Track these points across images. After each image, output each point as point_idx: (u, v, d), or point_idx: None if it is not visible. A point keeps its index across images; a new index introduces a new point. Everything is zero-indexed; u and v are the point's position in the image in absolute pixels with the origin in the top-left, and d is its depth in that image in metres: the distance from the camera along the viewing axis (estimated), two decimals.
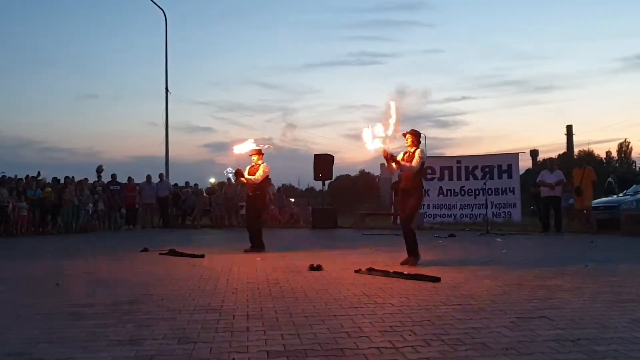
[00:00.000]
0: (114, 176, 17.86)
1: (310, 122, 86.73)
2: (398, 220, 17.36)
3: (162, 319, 3.86)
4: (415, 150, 7.02)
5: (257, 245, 8.93)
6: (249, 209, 9.55)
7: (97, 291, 5.18)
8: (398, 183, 17.48)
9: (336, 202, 26.75)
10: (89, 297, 4.81)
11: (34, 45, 67.64)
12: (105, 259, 8.17)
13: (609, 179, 18.73)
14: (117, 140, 75.25)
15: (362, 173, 51.36)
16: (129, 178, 18.20)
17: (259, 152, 9.17)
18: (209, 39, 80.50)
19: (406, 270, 6.09)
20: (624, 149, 50.60)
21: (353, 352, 2.97)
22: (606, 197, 15.79)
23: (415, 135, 7.15)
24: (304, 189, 39.56)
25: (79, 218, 15.87)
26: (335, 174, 27.41)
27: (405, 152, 7.15)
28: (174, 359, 2.91)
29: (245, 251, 8.76)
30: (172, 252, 8.44)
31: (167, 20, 23.10)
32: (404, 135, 7.16)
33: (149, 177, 18.36)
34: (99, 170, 17.86)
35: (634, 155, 49.06)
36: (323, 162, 17.47)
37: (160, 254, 8.46)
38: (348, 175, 50.13)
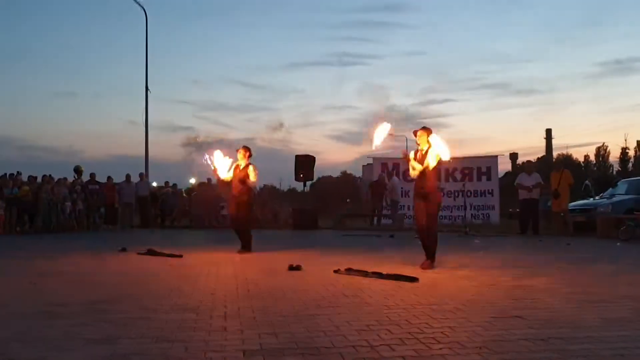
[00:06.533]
0: (92, 175, 17.68)
1: (293, 122, 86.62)
2: (375, 221, 17.55)
3: (139, 318, 3.84)
4: (429, 148, 6.73)
5: (249, 246, 8.80)
6: (242, 210, 8.99)
7: (74, 291, 5.14)
8: (376, 184, 17.61)
9: (317, 203, 26.78)
10: (65, 297, 4.77)
11: (11, 41, 66.56)
12: (83, 259, 8.09)
13: (586, 182, 18.99)
14: (96, 139, 74.19)
15: (344, 174, 51.48)
16: (109, 177, 18.02)
17: (248, 150, 8.99)
18: (190, 37, 79.85)
19: (384, 270, 6.12)
20: (602, 153, 51.30)
21: (329, 351, 2.99)
22: (583, 200, 16.03)
23: (428, 133, 6.81)
24: (285, 190, 39.52)
25: (57, 217, 15.68)
26: (317, 175, 27.46)
27: (417, 151, 6.89)
28: (149, 358, 2.90)
29: (239, 252, 8.61)
30: (151, 252, 8.38)
31: (148, 18, 22.94)
32: (415, 133, 6.89)
33: (128, 177, 18.22)
34: (78, 171, 17.62)
35: (611, 159, 49.74)
36: (304, 163, 17.49)
37: (138, 253, 8.40)
38: (330, 177, 50.20)
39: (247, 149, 9.02)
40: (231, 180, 9.11)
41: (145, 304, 4.37)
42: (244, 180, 8.83)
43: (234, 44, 79.03)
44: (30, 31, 67.46)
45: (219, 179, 9.20)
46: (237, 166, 8.96)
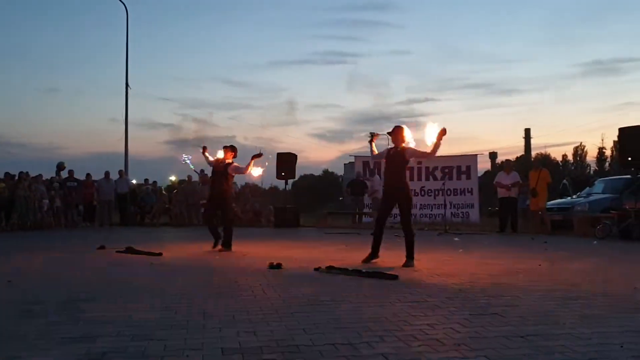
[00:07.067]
0: (71, 172, 17.44)
1: (275, 120, 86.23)
2: (357, 219, 17.60)
3: (117, 316, 3.80)
4: (403, 146, 6.96)
5: (229, 244, 8.80)
6: (224, 207, 9.11)
7: (50, 289, 5.07)
8: (355, 182, 17.61)
9: (299, 202, 26.76)
10: (41, 295, 4.70)
11: None
12: (60, 257, 7.98)
13: (564, 181, 19.27)
14: (76, 136, 73.12)
15: (326, 173, 51.52)
16: (87, 174, 17.84)
17: (234, 151, 9.04)
18: (172, 34, 79.06)
19: (365, 268, 6.16)
20: (580, 152, 52.02)
21: (308, 349, 2.99)
22: (560, 199, 16.25)
23: (402, 132, 7.00)
24: (267, 188, 39.48)
25: (34, 214, 15.45)
26: (299, 173, 27.44)
27: (391, 149, 7.09)
28: (126, 356, 2.87)
29: (220, 251, 8.57)
30: (130, 250, 8.30)
31: (129, 14, 22.74)
32: (389, 134, 7.07)
33: (107, 174, 18.01)
34: (60, 167, 17.40)
35: (588, 158, 50.45)
36: (286, 161, 17.44)
37: (117, 251, 8.31)
38: (312, 175, 50.23)
39: (233, 149, 9.07)
40: (211, 178, 9.18)
41: (123, 302, 4.32)
42: (230, 172, 8.95)
43: (216, 42, 78.60)
44: (10, 27, 66.30)
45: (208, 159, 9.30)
46: (219, 161, 8.98)
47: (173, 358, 2.84)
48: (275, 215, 17.25)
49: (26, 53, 65.84)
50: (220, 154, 9.15)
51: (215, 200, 9.11)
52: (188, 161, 9.37)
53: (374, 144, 7.38)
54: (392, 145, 7.18)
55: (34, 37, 67.83)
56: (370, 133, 7.39)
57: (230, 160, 8.99)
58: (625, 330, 3.46)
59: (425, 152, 6.97)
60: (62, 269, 6.57)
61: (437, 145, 6.77)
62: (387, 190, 7.16)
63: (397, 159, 6.99)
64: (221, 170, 8.99)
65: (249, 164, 8.84)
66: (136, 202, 18.59)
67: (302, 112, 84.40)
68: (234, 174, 9.11)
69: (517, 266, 6.74)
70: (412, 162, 7.10)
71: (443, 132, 6.64)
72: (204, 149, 9.26)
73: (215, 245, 8.94)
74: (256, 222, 17.85)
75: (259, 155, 8.82)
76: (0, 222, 15.16)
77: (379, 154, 7.43)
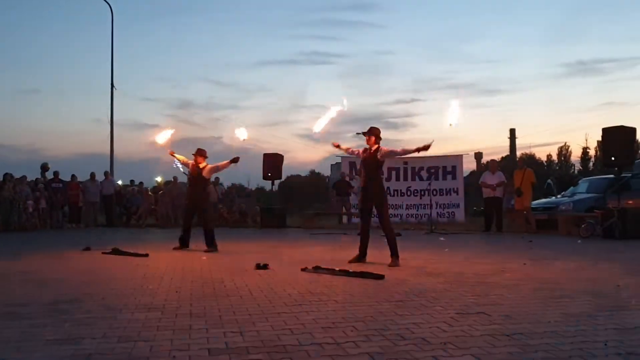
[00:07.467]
0: (56, 173, 17.32)
1: (261, 120, 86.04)
2: (345, 219, 17.63)
3: (102, 318, 3.78)
4: (378, 147, 7.03)
5: (214, 245, 8.84)
6: (203, 209, 9.26)
7: (35, 291, 5.02)
8: (339, 183, 17.62)
9: (286, 202, 26.72)
10: (25, 297, 4.65)
11: None
12: (45, 258, 7.90)
13: (548, 180, 19.44)
14: (60, 137, 72.32)
15: (313, 173, 51.51)
16: (73, 175, 17.69)
17: (202, 154, 9.11)
18: (157, 34, 78.55)
19: (351, 268, 6.18)
20: (564, 152, 52.39)
21: (295, 349, 2.99)
22: (545, 198, 16.40)
23: (376, 133, 7.09)
24: (253, 189, 39.33)
25: (19, 216, 15.28)
26: (286, 173, 27.38)
27: (365, 149, 7.16)
28: (113, 357, 2.85)
29: (206, 252, 8.57)
30: (116, 251, 8.25)
31: (114, 14, 22.58)
32: (364, 134, 7.11)
33: (93, 175, 17.91)
34: (45, 168, 17.26)
35: (573, 158, 50.85)
36: (272, 162, 17.42)
37: (103, 253, 8.25)
38: (298, 176, 50.17)
39: (202, 152, 9.13)
40: (188, 183, 9.32)
41: (109, 304, 4.30)
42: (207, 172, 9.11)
43: (202, 42, 78.18)
44: None
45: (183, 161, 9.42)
46: (193, 166, 9.10)
47: (159, 359, 2.83)
48: (262, 216, 17.21)
49: (7, 53, 65.10)
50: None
51: (194, 205, 9.23)
52: (179, 165, 9.44)
53: (342, 146, 7.53)
54: (367, 145, 7.22)
55: (15, 37, 67.10)
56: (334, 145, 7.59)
57: (203, 164, 9.04)
58: (609, 328, 3.50)
59: (394, 150, 7.18)
60: (47, 271, 6.51)
61: (408, 151, 7.08)
62: (362, 191, 7.26)
63: (371, 160, 7.09)
64: (196, 176, 9.09)
65: (225, 163, 9.01)
66: (122, 203, 18.50)
67: (289, 112, 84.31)
68: (210, 176, 9.32)
69: (503, 265, 6.79)
70: (399, 161, 7.18)
71: (425, 148, 6.74)
72: (172, 152, 9.38)
73: (178, 248, 9.03)
74: (242, 223, 17.81)
75: (236, 159, 9.01)
76: None
77: (350, 150, 7.54)
